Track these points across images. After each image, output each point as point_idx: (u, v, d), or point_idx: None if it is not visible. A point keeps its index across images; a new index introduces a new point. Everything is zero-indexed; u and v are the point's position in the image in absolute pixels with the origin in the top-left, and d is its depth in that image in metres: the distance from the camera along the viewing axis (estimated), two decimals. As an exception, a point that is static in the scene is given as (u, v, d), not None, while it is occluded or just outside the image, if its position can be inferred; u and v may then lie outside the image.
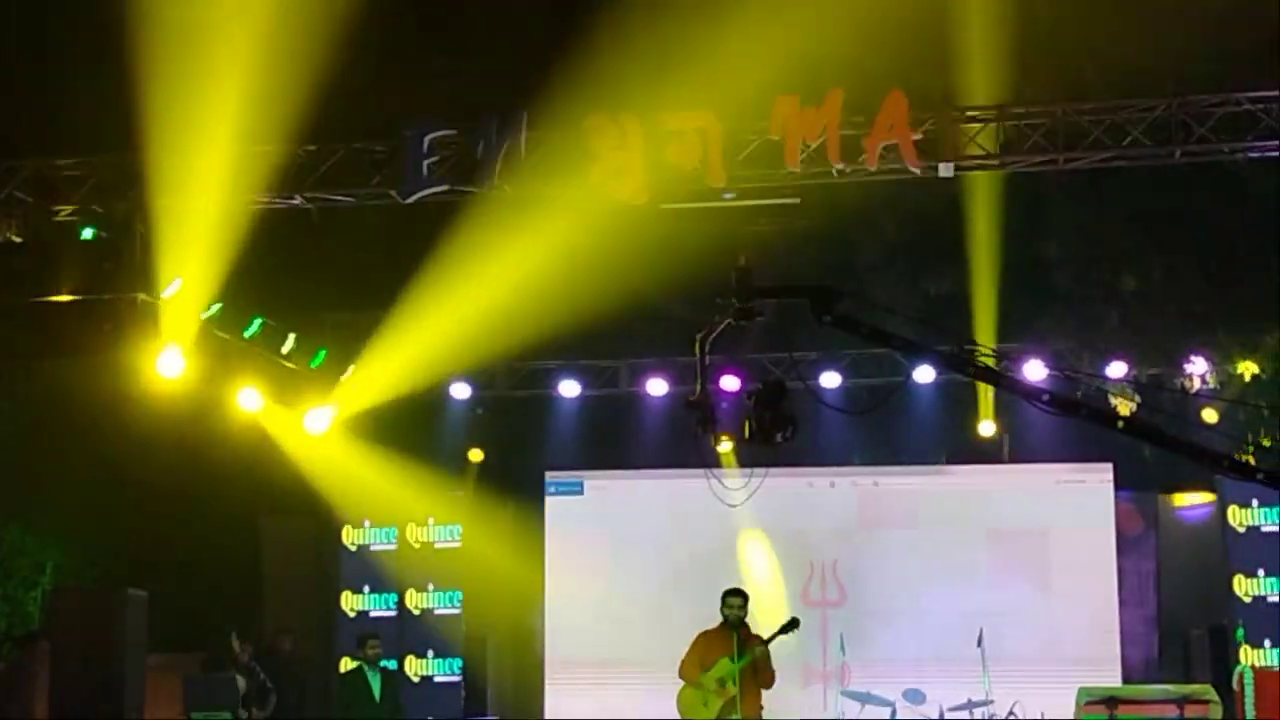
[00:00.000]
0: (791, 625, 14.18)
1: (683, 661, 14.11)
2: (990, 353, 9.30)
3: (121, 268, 14.43)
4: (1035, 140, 14.14)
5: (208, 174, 14.73)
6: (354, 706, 15.86)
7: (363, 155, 14.86)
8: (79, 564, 20.41)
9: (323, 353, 18.61)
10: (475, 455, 19.26)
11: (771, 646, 13.96)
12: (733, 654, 13.72)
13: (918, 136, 13.87)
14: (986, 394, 18.38)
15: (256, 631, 18.39)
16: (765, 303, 9.87)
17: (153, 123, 14.86)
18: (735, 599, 14.05)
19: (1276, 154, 14.22)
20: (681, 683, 14.06)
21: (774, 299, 9.67)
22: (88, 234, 14.55)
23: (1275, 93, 13.71)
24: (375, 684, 15.94)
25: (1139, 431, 9.06)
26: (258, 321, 16.51)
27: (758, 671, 13.80)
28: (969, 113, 14.15)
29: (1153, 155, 14.34)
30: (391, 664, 16.99)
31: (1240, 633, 16.76)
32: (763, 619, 14.61)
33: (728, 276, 9.75)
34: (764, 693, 14.00)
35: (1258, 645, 16.81)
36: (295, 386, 18.77)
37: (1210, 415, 16.88)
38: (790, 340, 16.69)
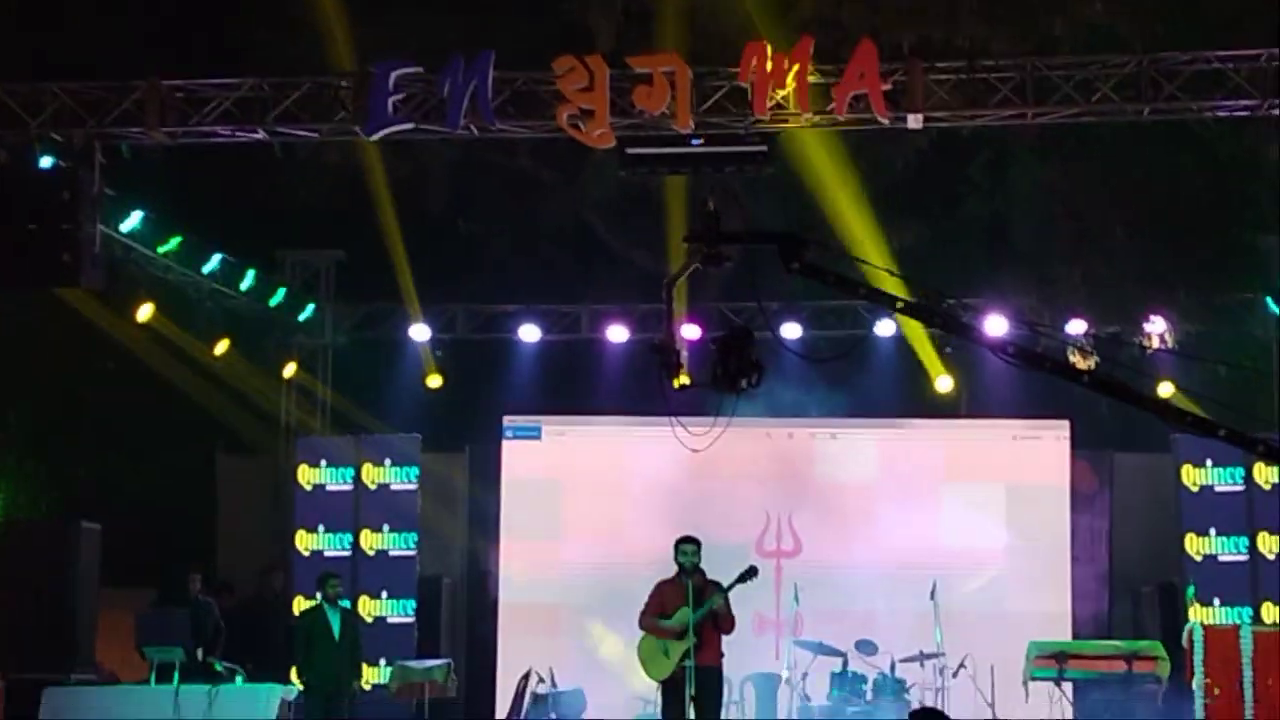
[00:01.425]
0: (750, 574, 14.15)
1: (642, 611, 14.07)
2: (954, 304, 9.24)
3: (81, 198, 14.28)
4: (1004, 94, 14.13)
5: (169, 104, 14.59)
6: (313, 645, 15.82)
7: (326, 90, 14.74)
8: (32, 497, 20.32)
9: (282, 290, 18.53)
10: (434, 380, 19.18)
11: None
12: (690, 602, 13.69)
13: (887, 87, 13.85)
14: (931, 354, 18.43)
15: (211, 569, 18.34)
16: (729, 250, 9.80)
17: (114, 52, 14.74)
18: (688, 546, 13.99)
19: (1245, 114, 14.26)
20: (642, 632, 14.02)
21: (740, 245, 9.59)
22: (46, 163, 14.39)
23: (1246, 52, 13.71)
24: (335, 623, 15.92)
25: (1102, 387, 9.03)
26: (176, 240, 16.32)
27: (718, 619, 13.78)
28: (938, 65, 14.12)
29: (1121, 112, 14.37)
30: (347, 604, 16.96)
31: (1191, 591, 16.86)
32: (716, 569, 14.58)
33: (693, 223, 9.69)
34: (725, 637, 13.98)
35: (1207, 604, 16.92)
36: (254, 325, 18.71)
37: (1166, 389, 16.93)
38: (752, 291, 16.68)
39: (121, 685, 15.46)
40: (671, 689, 13.76)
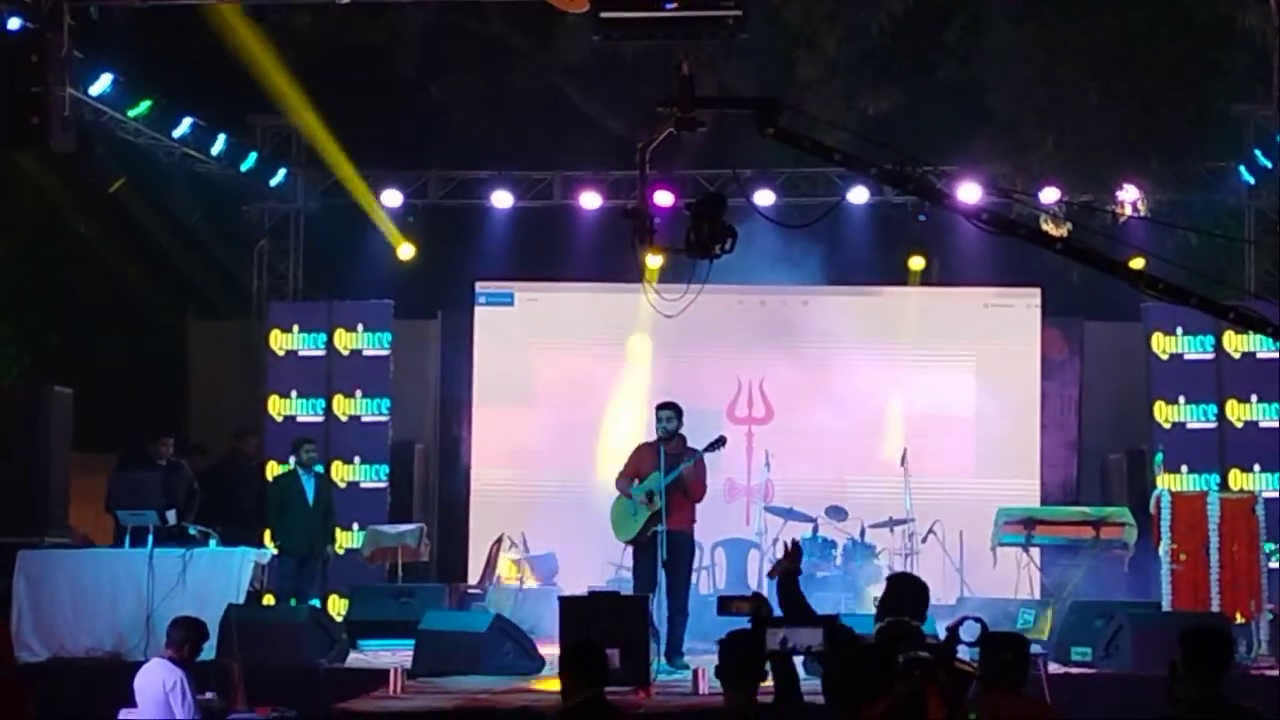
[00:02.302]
0: (718, 443, 14.25)
1: (620, 473, 14.20)
2: (929, 170, 9.24)
3: (49, 60, 14.12)
4: (981, -43, 14.02)
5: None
6: (286, 509, 15.92)
7: (298, -49, 14.58)
8: (2, 363, 20.30)
9: (253, 155, 18.42)
10: (405, 253, 19.13)
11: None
12: (660, 468, 13.79)
13: (862, -50, 13.74)
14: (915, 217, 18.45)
15: (184, 434, 18.38)
16: (703, 115, 9.77)
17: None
18: (665, 411, 14.07)
19: (1221, -20, 14.20)
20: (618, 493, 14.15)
21: (716, 110, 9.56)
22: (14, 24, 14.20)
23: (1222, -82, 13.64)
24: (309, 488, 16.01)
25: (1076, 254, 9.07)
26: (146, 104, 16.19)
27: (688, 484, 13.89)
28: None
29: (1097, -23, 14.29)
30: (320, 469, 17.04)
31: (1159, 458, 17.00)
32: (688, 435, 14.65)
33: (666, 89, 9.64)
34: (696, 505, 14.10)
35: (1175, 471, 17.06)
36: (225, 190, 18.63)
37: (1137, 263, 16.95)
38: (725, 156, 16.64)
39: (95, 548, 15.52)
40: (640, 552, 13.92)
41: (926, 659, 5.61)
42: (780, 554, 8.32)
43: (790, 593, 7.88)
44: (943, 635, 7.04)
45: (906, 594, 7.75)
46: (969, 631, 6.92)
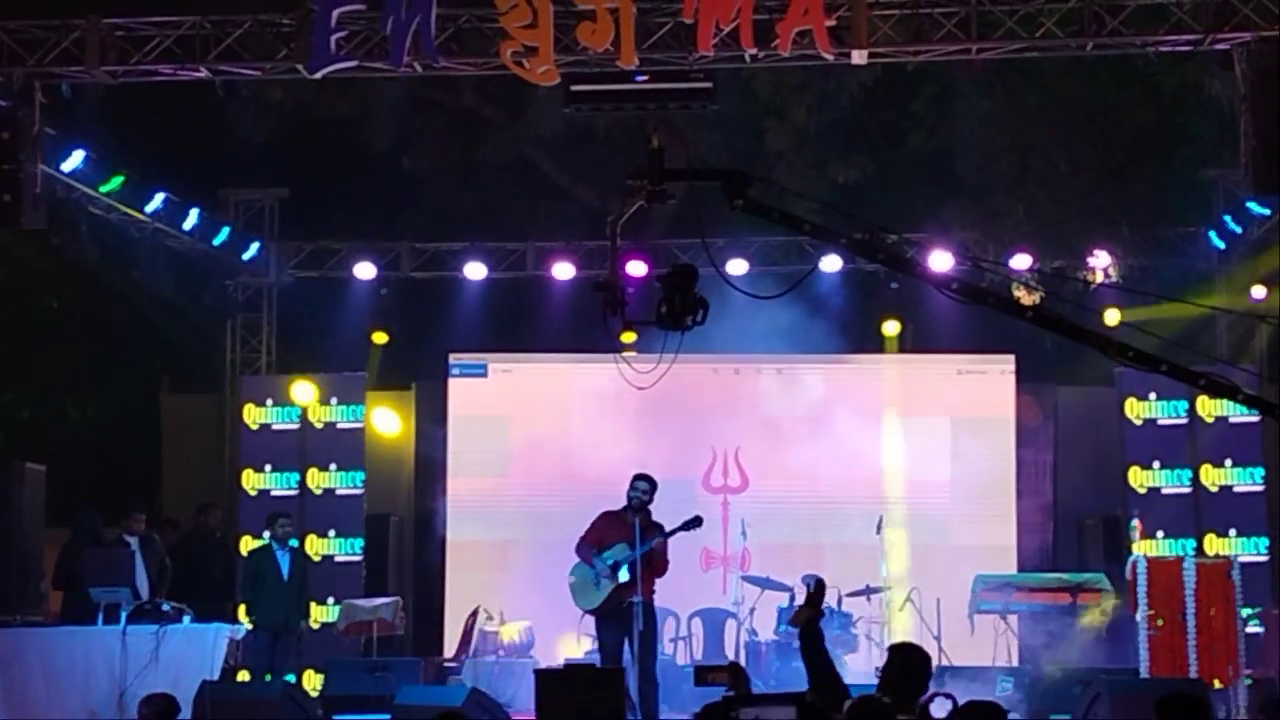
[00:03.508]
0: (694, 523, 14.25)
1: (581, 537, 14.19)
2: (898, 240, 9.28)
3: (21, 138, 14.15)
4: (948, 29, 14.13)
5: (110, 43, 14.46)
6: (261, 584, 15.85)
7: (268, 28, 14.62)
8: (-27, 438, 20.22)
9: (226, 229, 18.42)
10: (379, 337, 19.12)
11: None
12: (633, 541, 13.78)
13: (831, 23, 13.83)
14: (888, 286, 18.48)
15: (156, 508, 18.30)
16: (673, 188, 9.80)
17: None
18: (643, 483, 14.09)
19: (1187, 49, 14.31)
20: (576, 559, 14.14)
21: (686, 182, 9.59)
22: (-15, 102, 14.25)
23: (1188, -14, 13.76)
24: (284, 562, 15.95)
25: (1046, 321, 9.09)
26: (118, 179, 16.19)
27: (653, 560, 13.90)
28: (882, 0, 14.09)
29: (1065, 47, 14.42)
30: (295, 543, 16.97)
31: (1133, 523, 16.99)
32: (663, 505, 14.64)
33: (638, 160, 9.66)
34: (658, 580, 14.10)
35: (1150, 536, 17.05)
36: (199, 262, 18.62)
37: (1112, 317, 17.04)
38: (697, 227, 16.68)
39: (68, 626, 15.39)
40: (603, 622, 13.91)
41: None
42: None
43: (812, 641, 7.83)
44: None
45: (908, 665, 7.71)
46: (940, 708, 6.90)
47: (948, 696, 6.97)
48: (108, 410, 21.06)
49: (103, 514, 16.69)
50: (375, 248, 19.22)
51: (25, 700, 14.30)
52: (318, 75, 14.46)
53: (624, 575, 13.73)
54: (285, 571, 15.91)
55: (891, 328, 18.88)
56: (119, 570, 15.16)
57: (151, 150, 17.58)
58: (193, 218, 17.63)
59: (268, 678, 15.35)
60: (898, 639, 16.30)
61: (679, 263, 11.08)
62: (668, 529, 14.05)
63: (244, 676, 15.75)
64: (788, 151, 19.02)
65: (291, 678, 15.64)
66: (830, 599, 16.68)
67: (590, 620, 14.78)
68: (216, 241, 18.28)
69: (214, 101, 16.40)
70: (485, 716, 13.72)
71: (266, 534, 16.20)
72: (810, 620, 7.82)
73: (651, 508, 14.21)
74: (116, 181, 16.21)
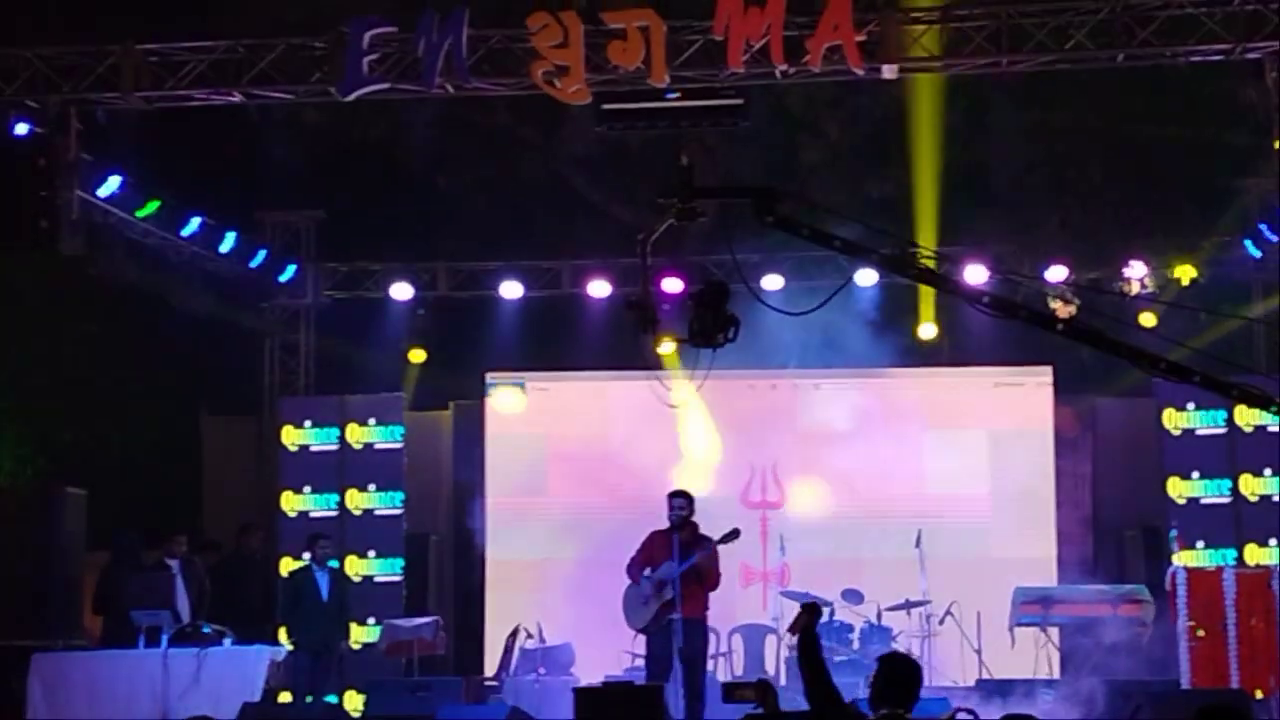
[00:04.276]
0: (732, 535, 14.27)
1: (632, 557, 14.23)
2: (931, 255, 9.28)
3: (57, 164, 14.27)
4: (979, 43, 14.14)
5: (144, 69, 14.57)
6: (301, 605, 15.92)
7: (301, 51, 14.70)
8: (17, 463, 20.33)
9: (263, 252, 18.51)
10: (416, 356, 19.18)
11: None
12: (675, 557, 13.81)
13: (861, 38, 13.85)
14: (927, 297, 18.43)
15: (197, 531, 18.36)
16: (707, 204, 9.83)
17: (88, 18, 14.70)
18: (678, 500, 14.11)
19: (1219, 58, 14.27)
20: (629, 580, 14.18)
21: (716, 199, 9.61)
22: (22, 129, 14.36)
23: (1219, -4, 13.72)
24: (323, 583, 16.01)
25: (1078, 334, 9.09)
26: (154, 204, 16.29)
27: (701, 574, 13.90)
28: (913, 14, 14.11)
29: (1095, 59, 14.39)
30: (335, 564, 17.05)
31: (1173, 534, 16.93)
32: (701, 522, 14.65)
33: (670, 177, 9.69)
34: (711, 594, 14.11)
35: (1191, 546, 16.97)
36: (237, 285, 18.71)
37: (1148, 319, 16.98)
38: (733, 242, 16.70)
39: (109, 650, 15.47)
40: (652, 640, 13.93)
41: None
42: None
43: (809, 649, 7.84)
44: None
45: (899, 675, 7.74)
46: (961, 726, 6.93)
47: (970, 713, 6.98)
48: (147, 433, 21.15)
49: (143, 537, 16.77)
50: (411, 268, 19.27)
51: (68, 723, 14.43)
52: (350, 98, 14.52)
53: (670, 592, 13.75)
54: (325, 592, 15.97)
55: (928, 329, 18.74)
56: (160, 593, 15.24)
57: (188, 174, 17.69)
58: (229, 240, 17.72)
59: (309, 699, 15.38)
60: (938, 653, 16.35)
61: (711, 280, 11.07)
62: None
63: (285, 698, 15.79)
64: (821, 166, 19.04)
65: (333, 698, 15.67)
66: (870, 613, 16.72)
67: (632, 639, 14.83)
68: (253, 264, 18.36)
69: (249, 125, 16.48)
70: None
71: (306, 555, 16.25)
72: (807, 628, 7.81)
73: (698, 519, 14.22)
74: (153, 206, 16.31)
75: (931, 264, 9.26)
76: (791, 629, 8.30)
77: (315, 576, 16.05)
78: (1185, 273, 17.10)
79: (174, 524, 17.35)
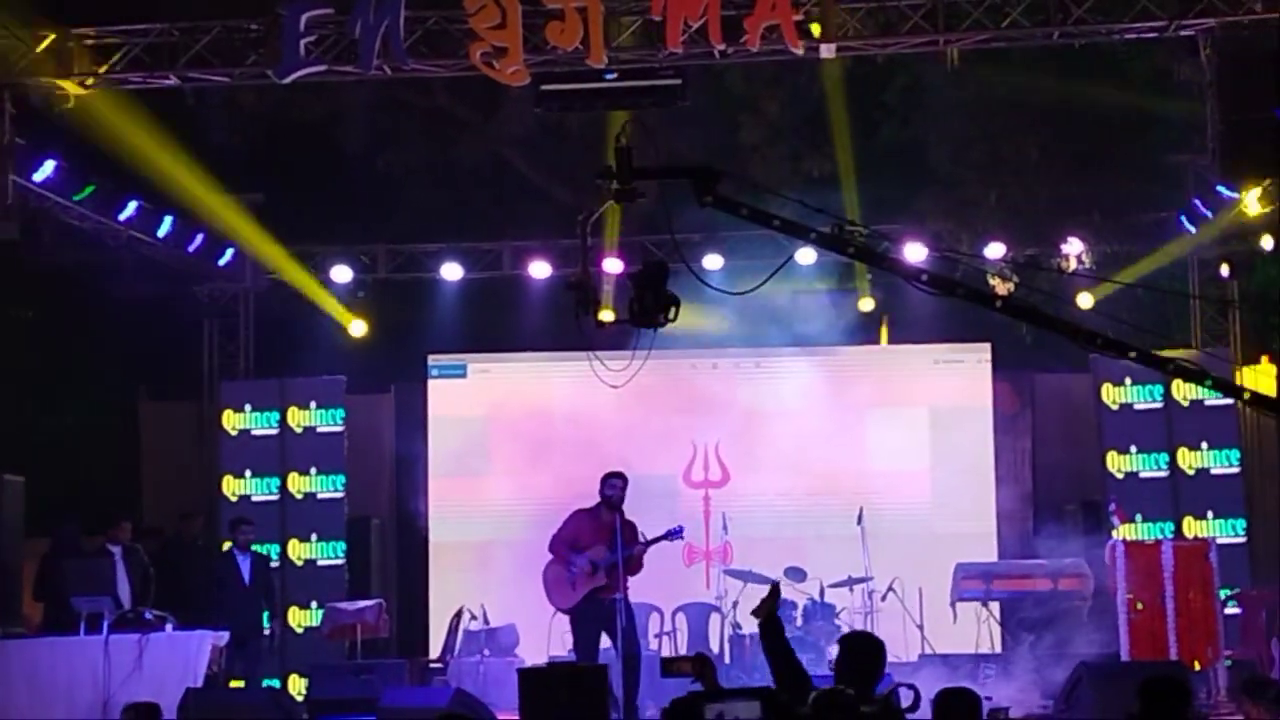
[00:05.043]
0: (676, 534, 14.33)
1: (555, 535, 14.24)
2: (869, 232, 9.31)
3: (-9, 149, 14.18)
4: (915, 22, 14.18)
5: (79, 53, 14.46)
6: (223, 589, 15.94)
7: (237, 34, 14.64)
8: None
9: (200, 237, 18.38)
10: (356, 328, 19.09)
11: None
12: (611, 541, 13.83)
13: (799, 18, 13.86)
14: (865, 276, 18.50)
15: (137, 516, 18.26)
16: (647, 185, 9.82)
17: (21, 1, 14.58)
18: (616, 480, 14.13)
19: (1153, 35, 14.37)
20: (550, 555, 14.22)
21: (655, 180, 9.61)
22: (-46, 114, 14.26)
23: (1153, -26, 13.82)
24: (245, 568, 16.04)
25: (1015, 311, 9.15)
26: (90, 188, 16.16)
27: (629, 562, 13.97)
28: (850, -6, 14.14)
29: (1031, 36, 14.46)
30: (268, 549, 17.03)
31: (1112, 508, 17.06)
32: (645, 501, 14.69)
33: (608, 158, 9.68)
34: (640, 574, 14.18)
35: (1129, 520, 17.11)
36: (175, 269, 18.58)
37: (1085, 301, 17.10)
38: (673, 221, 16.70)
39: (50, 637, 15.37)
40: (579, 621, 13.98)
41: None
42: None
43: (773, 633, 7.85)
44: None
45: (861, 654, 7.79)
46: (903, 699, 6.98)
47: (910, 687, 7.04)
48: (86, 419, 21.02)
49: (83, 523, 16.66)
50: (351, 251, 19.21)
51: (9, 711, 14.29)
52: (287, 80, 14.47)
53: (603, 577, 13.78)
54: (247, 577, 16.03)
55: (868, 303, 18.80)
56: (101, 579, 15.12)
57: (124, 158, 17.54)
58: (167, 224, 17.60)
59: (241, 684, 15.38)
60: (881, 629, 16.43)
61: (651, 260, 11.09)
62: (649, 537, 14.10)
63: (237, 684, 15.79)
64: (761, 146, 19.06)
65: (275, 682, 15.62)
66: (813, 591, 16.79)
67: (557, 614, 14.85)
68: (191, 248, 18.24)
69: (186, 108, 16.37)
70: (470, 716, 13.73)
71: (228, 541, 16.30)
72: (770, 613, 7.84)
73: (633, 504, 14.25)
74: (89, 190, 16.19)
75: (868, 242, 9.27)
76: (756, 612, 8.31)
77: (237, 561, 16.10)
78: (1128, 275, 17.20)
79: (114, 510, 17.25)
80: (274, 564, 17.42)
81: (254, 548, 16.54)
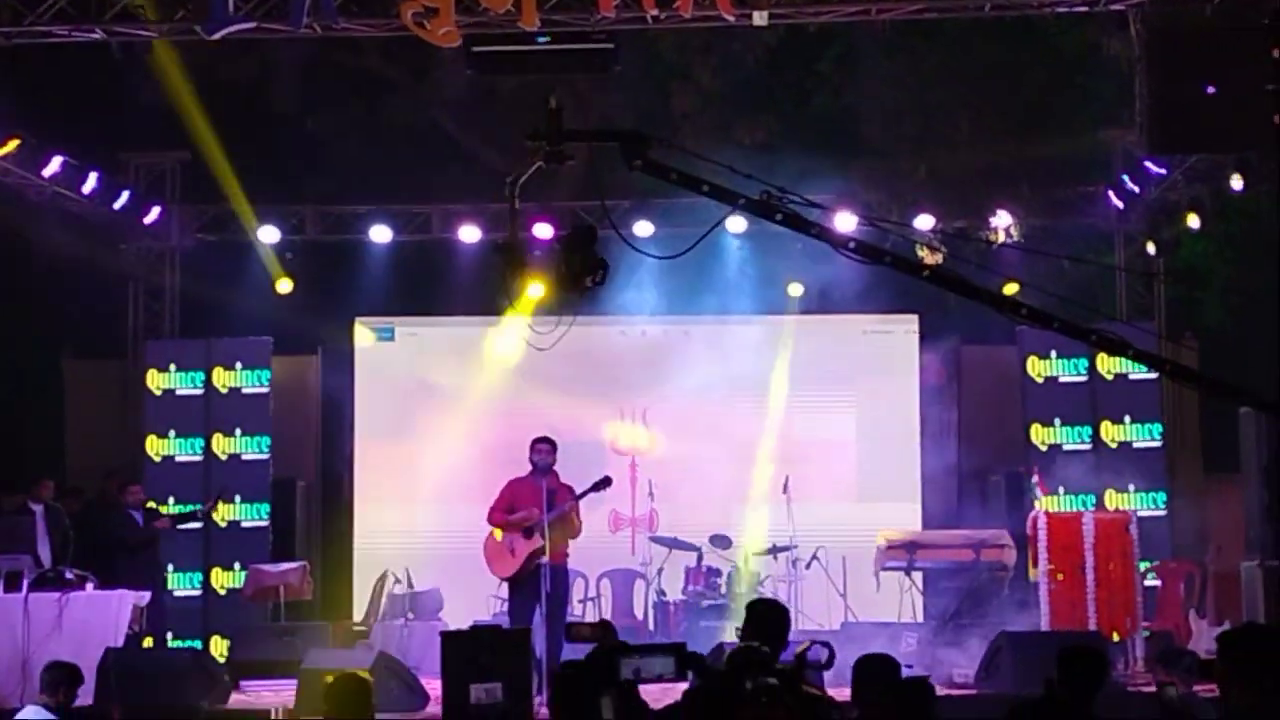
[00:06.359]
0: (604, 484, 14.31)
1: (491, 508, 14.21)
2: (799, 200, 9.31)
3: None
4: (849, -10, 14.18)
5: (1, 4, 14.26)
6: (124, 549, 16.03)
7: (165, -13, 14.45)
8: None
9: (126, 193, 18.23)
10: (283, 285, 18.94)
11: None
12: (542, 505, 13.81)
13: (732, -17, 13.82)
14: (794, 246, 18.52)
15: (61, 476, 18.11)
16: (578, 149, 9.80)
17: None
18: (544, 445, 14.13)
19: (1084, 9, 14.42)
20: (490, 528, 14.18)
21: (585, 143, 9.58)
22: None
23: (1084, -53, 13.86)
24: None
25: (943, 280, 9.19)
26: (14, 143, 15.96)
27: (566, 523, 13.95)
28: (783, -39, 14.11)
29: (963, 8, 14.49)
30: (191, 509, 16.94)
31: (1035, 479, 17.18)
32: (572, 467, 14.67)
33: (539, 121, 9.64)
34: (571, 541, 14.17)
35: (1051, 492, 17.24)
36: (100, 226, 18.42)
37: (1010, 288, 17.15)
38: (604, 187, 16.69)
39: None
40: (516, 587, 13.97)
41: (774, 685, 5.66)
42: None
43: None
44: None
45: (767, 620, 7.83)
46: (816, 655, 7.03)
47: (824, 644, 7.09)
48: (9, 377, 20.81)
49: (4, 481, 16.51)
50: (279, 211, 19.07)
51: (-75, 670, 14.19)
52: (216, 36, 14.30)
53: (541, 539, 13.77)
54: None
55: (796, 288, 18.90)
56: (20, 538, 15.03)
57: (50, 113, 17.35)
58: (92, 181, 17.42)
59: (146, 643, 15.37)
60: (805, 598, 16.52)
61: (579, 224, 11.05)
62: (578, 491, 14.09)
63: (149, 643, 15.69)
64: (693, 113, 19.04)
65: (198, 643, 15.55)
66: (738, 558, 16.85)
67: (503, 585, 14.84)
68: (117, 205, 18.08)
69: (112, 63, 16.19)
70: (393, 679, 13.72)
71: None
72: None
73: (561, 469, 14.25)
74: (12, 145, 15.99)
75: (795, 209, 9.26)
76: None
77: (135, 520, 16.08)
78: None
79: (36, 469, 17.12)
80: (197, 525, 17.33)
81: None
